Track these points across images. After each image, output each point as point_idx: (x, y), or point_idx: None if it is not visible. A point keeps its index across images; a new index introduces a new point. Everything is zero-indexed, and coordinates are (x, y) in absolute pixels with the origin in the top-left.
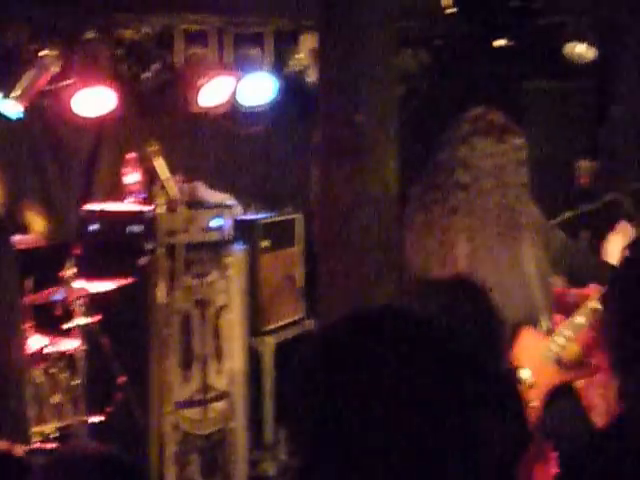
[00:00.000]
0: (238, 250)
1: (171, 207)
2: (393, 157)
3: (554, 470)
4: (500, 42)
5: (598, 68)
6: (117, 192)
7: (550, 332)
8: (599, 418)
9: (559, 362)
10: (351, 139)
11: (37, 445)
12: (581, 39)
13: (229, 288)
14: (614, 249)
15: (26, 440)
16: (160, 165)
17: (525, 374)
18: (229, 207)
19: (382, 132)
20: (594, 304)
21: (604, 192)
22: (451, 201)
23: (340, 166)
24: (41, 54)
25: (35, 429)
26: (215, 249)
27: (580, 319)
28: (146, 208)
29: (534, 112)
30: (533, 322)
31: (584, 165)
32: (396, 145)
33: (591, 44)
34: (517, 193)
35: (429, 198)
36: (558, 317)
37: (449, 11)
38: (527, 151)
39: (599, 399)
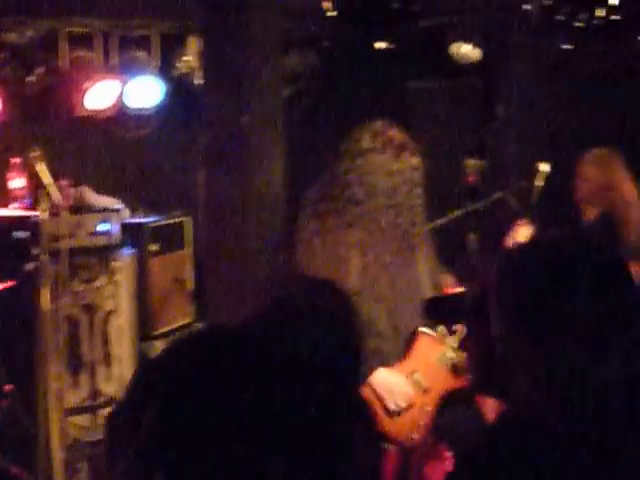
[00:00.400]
0: (126, 254)
1: (54, 212)
2: (279, 159)
3: (449, 469)
4: (381, 44)
5: (483, 67)
6: (2, 198)
7: (445, 338)
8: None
9: (454, 367)
10: (236, 142)
11: None
12: (466, 39)
13: (117, 293)
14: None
15: None
16: (42, 170)
17: (420, 379)
18: (116, 211)
19: (268, 134)
20: None
21: (490, 190)
22: (346, 215)
23: (225, 169)
24: None
25: None
26: (102, 254)
27: None
28: (31, 213)
29: (420, 111)
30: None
31: (471, 163)
32: (282, 147)
33: (476, 44)
34: (411, 215)
35: (324, 208)
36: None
37: (330, 14)
38: (422, 171)
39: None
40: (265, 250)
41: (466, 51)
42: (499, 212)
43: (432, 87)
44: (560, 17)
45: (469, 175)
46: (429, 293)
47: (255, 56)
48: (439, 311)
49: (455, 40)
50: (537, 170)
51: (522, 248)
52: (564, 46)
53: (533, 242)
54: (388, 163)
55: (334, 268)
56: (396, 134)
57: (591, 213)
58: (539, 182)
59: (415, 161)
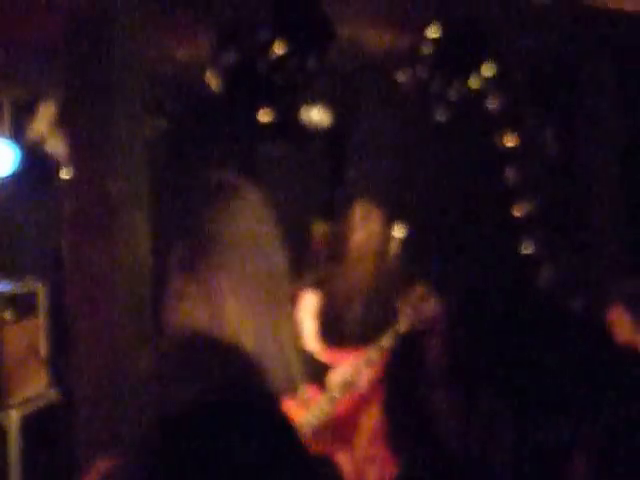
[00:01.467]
0: None
1: None
2: (145, 225)
3: None
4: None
5: (332, 131)
6: None
7: (307, 402)
8: None
9: (316, 433)
10: (101, 209)
11: None
12: (316, 103)
13: None
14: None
15: None
16: None
17: None
18: None
19: (134, 201)
20: (345, 376)
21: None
22: (214, 261)
23: (91, 237)
24: None
25: None
26: None
27: (335, 393)
28: None
29: (269, 175)
30: (292, 390)
31: (318, 227)
32: (146, 212)
33: (326, 109)
34: (278, 266)
35: (190, 257)
36: (312, 387)
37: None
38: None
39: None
40: (128, 318)
41: (316, 115)
42: None
43: (281, 151)
44: (435, 89)
45: (317, 238)
46: (292, 350)
47: (122, 121)
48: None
49: (305, 104)
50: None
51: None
52: (438, 118)
53: None
54: (251, 210)
55: (210, 315)
56: (237, 180)
57: None
58: (393, 248)
59: (260, 210)
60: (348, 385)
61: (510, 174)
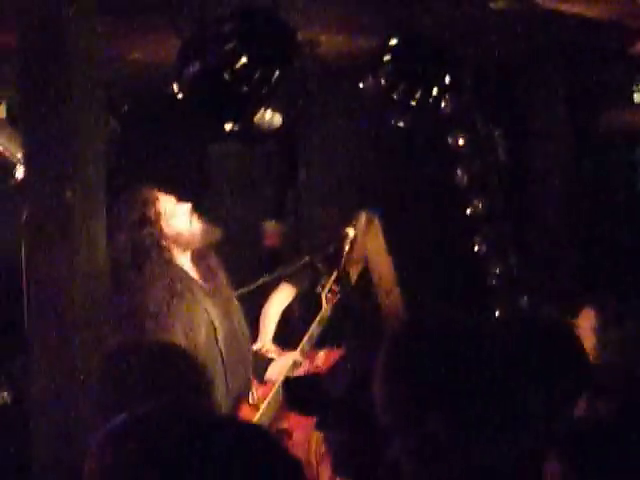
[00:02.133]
0: None
1: None
2: (102, 232)
3: None
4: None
5: (284, 132)
6: None
7: (257, 404)
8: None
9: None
10: (60, 217)
11: None
12: (268, 105)
13: None
14: (273, 308)
15: None
16: None
17: None
18: None
19: (92, 208)
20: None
21: (292, 253)
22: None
23: (48, 246)
24: None
25: None
26: None
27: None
28: None
29: (219, 175)
30: (245, 395)
31: (270, 226)
32: (104, 220)
33: (277, 110)
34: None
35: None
36: (262, 387)
37: None
38: None
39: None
40: (85, 326)
41: (268, 116)
42: (307, 277)
43: (231, 150)
44: (396, 95)
45: (269, 238)
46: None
47: (78, 126)
48: (299, 397)
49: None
50: (344, 235)
51: (410, 332)
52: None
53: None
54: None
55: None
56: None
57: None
58: (346, 246)
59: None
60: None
61: (461, 174)
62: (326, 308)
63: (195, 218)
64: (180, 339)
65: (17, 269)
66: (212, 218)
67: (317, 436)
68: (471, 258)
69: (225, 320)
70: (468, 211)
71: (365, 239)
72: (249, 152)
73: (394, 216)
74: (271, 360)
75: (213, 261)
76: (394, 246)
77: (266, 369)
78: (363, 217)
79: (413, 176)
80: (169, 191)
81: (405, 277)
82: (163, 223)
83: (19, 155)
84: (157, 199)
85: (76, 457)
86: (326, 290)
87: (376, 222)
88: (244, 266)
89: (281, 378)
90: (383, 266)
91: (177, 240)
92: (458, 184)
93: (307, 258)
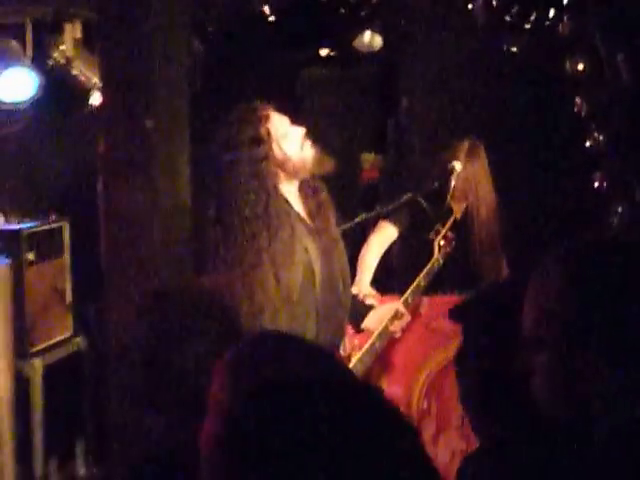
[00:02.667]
0: (0, 265)
1: None
2: (185, 166)
3: None
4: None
5: (385, 56)
6: None
7: (349, 354)
8: None
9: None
10: (139, 148)
11: None
12: (367, 26)
13: None
14: (372, 250)
15: None
16: None
17: None
18: None
19: (173, 139)
20: (388, 323)
21: (392, 188)
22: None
23: (128, 177)
24: None
25: None
26: None
27: (377, 342)
28: None
29: (313, 102)
30: (337, 344)
31: (367, 158)
32: (188, 152)
33: (377, 31)
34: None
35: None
36: (356, 337)
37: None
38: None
39: None
40: (166, 263)
41: (367, 38)
42: (409, 216)
43: (327, 75)
44: (509, 17)
45: (367, 171)
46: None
47: (159, 50)
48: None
49: (355, 26)
50: (451, 169)
51: (587, 252)
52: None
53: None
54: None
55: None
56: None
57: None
58: (452, 181)
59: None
60: (386, 332)
61: (580, 102)
62: (437, 257)
63: (308, 144)
64: (269, 279)
65: (92, 204)
66: None
67: (418, 392)
68: (589, 195)
69: (326, 264)
70: (588, 143)
71: (468, 171)
72: (346, 78)
73: (501, 147)
74: (370, 307)
75: (324, 196)
76: (500, 181)
77: (364, 316)
78: (466, 146)
79: (524, 105)
80: (284, 111)
81: (509, 215)
82: (274, 144)
83: (95, 80)
84: (270, 117)
85: None
86: (440, 237)
87: (482, 152)
88: (340, 202)
89: (380, 328)
90: (485, 199)
91: (284, 165)
92: (577, 114)
93: (409, 194)
